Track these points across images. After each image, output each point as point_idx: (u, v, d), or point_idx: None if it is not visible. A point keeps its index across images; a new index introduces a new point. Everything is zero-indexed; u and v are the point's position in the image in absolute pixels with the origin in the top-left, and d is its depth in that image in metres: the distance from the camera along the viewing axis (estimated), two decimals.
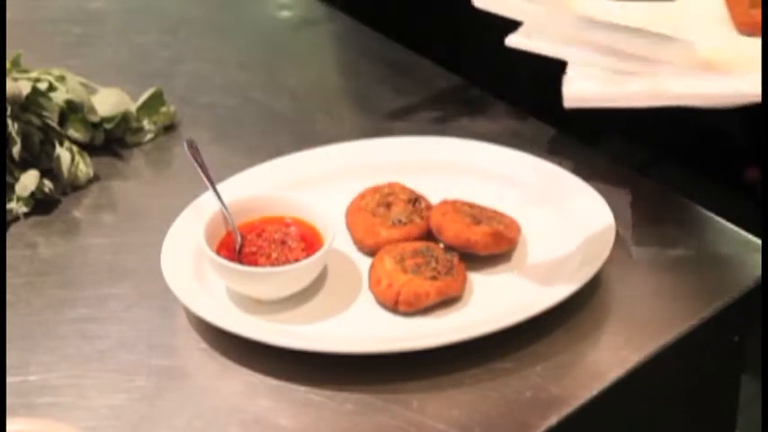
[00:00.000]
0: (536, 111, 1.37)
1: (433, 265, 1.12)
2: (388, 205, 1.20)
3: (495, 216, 1.18)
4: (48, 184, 1.30)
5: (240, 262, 1.13)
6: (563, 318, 1.10)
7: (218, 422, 1.04)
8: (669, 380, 1.12)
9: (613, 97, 1.09)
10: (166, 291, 1.12)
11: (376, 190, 1.22)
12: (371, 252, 1.18)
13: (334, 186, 1.25)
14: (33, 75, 1.36)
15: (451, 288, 1.11)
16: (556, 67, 1.18)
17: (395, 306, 1.11)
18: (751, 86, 1.07)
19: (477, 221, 1.15)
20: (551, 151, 1.30)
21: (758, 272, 1.15)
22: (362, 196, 1.22)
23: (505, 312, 1.09)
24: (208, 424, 1.03)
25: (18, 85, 1.31)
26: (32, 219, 1.28)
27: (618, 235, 1.16)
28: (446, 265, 1.12)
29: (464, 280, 1.12)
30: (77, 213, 1.30)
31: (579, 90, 1.10)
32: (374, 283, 1.13)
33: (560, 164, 1.26)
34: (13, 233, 1.26)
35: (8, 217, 1.27)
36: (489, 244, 1.15)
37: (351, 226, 1.20)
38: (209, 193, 1.20)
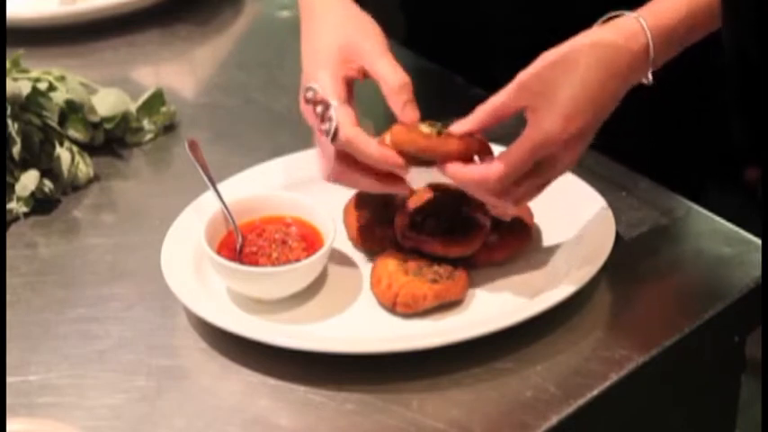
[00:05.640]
0: None
1: (435, 268, 1.12)
2: (386, 204, 1.19)
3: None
4: (48, 184, 1.30)
5: (241, 262, 1.13)
6: (563, 318, 1.10)
7: (218, 422, 1.04)
8: (669, 380, 1.12)
9: None
10: (166, 291, 1.12)
11: None
12: (367, 250, 1.18)
13: (334, 186, 1.25)
14: (33, 75, 1.36)
15: (451, 292, 1.11)
16: None
17: (393, 307, 1.11)
18: None
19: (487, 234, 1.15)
20: None
21: (758, 272, 1.15)
22: (360, 193, 1.22)
23: (505, 312, 1.09)
24: (208, 424, 1.03)
25: (18, 85, 1.31)
26: (32, 219, 1.29)
27: (618, 235, 1.16)
28: (448, 269, 1.12)
29: (465, 285, 1.12)
30: (77, 213, 1.30)
31: None
32: (375, 283, 1.13)
33: None
34: (13, 233, 1.26)
35: (8, 217, 1.27)
36: (510, 254, 1.16)
37: (346, 223, 1.20)
38: (210, 193, 1.20)
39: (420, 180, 1.18)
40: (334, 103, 1.09)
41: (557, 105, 1.04)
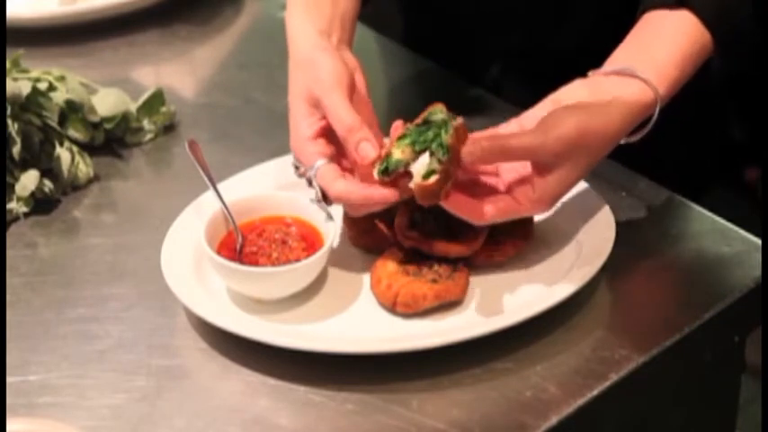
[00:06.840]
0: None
1: (435, 268, 1.12)
2: None
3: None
4: (48, 184, 1.30)
5: (241, 262, 1.13)
6: (563, 318, 1.10)
7: (218, 422, 1.04)
8: (669, 380, 1.12)
9: None
10: (166, 291, 1.12)
11: None
12: (366, 249, 1.18)
13: None
14: (33, 75, 1.36)
15: (451, 292, 1.11)
16: (557, 71, 1.18)
17: (393, 307, 1.11)
18: None
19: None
20: None
21: (758, 272, 1.15)
22: None
23: (505, 312, 1.09)
24: (208, 424, 1.03)
25: (18, 85, 1.31)
26: (32, 219, 1.29)
27: (618, 235, 1.16)
28: (448, 269, 1.12)
29: (465, 285, 1.12)
30: (77, 213, 1.30)
31: None
32: (375, 283, 1.13)
33: None
34: (13, 233, 1.26)
35: (8, 217, 1.27)
36: (510, 254, 1.16)
37: (346, 223, 1.20)
38: (210, 193, 1.20)
39: None
40: (319, 163, 1.12)
41: (573, 176, 1.09)
